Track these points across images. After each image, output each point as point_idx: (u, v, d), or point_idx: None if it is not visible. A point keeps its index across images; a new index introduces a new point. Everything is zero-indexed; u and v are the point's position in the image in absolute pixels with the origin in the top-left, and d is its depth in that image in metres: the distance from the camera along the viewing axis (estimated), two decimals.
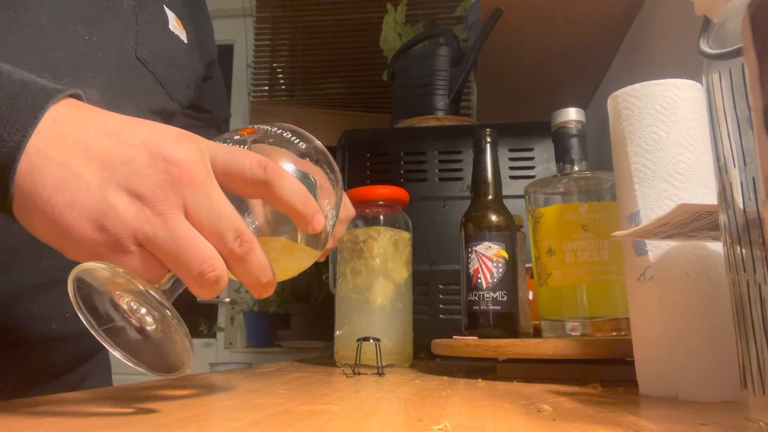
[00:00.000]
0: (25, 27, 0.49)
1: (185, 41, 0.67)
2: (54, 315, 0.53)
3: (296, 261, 0.41)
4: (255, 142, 0.39)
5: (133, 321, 0.34)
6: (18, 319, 0.51)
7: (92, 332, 0.33)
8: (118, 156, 0.32)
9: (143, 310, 0.34)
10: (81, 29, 0.53)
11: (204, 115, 0.80)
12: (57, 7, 0.51)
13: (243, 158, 0.35)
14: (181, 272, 0.33)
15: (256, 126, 0.41)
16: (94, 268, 0.31)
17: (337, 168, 0.43)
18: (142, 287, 0.31)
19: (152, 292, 0.31)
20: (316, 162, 0.41)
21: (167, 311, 0.32)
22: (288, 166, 0.39)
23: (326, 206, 0.41)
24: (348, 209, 0.63)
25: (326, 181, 0.41)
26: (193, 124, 0.79)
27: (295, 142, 0.40)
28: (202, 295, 0.34)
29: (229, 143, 0.38)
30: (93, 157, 0.32)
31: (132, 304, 0.34)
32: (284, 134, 0.41)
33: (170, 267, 0.33)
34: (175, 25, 0.65)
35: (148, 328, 0.34)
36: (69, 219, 0.31)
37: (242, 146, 0.39)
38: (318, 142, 0.43)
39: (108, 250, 0.32)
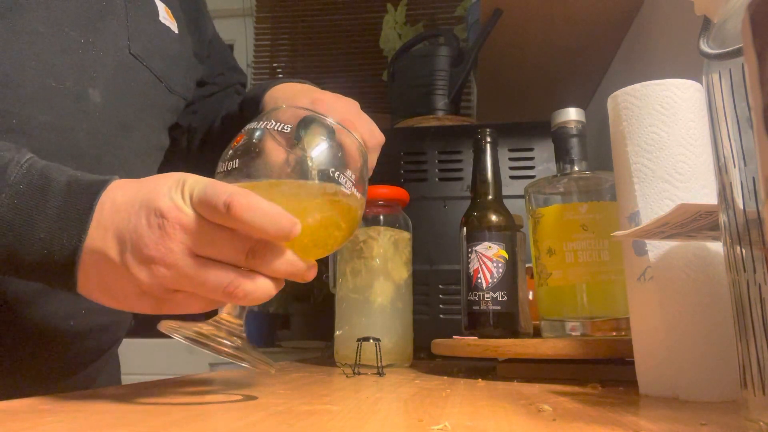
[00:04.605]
0: (23, 34, 0.49)
1: (176, 32, 0.66)
2: (72, 312, 0.54)
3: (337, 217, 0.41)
4: (243, 153, 0.40)
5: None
6: (38, 318, 0.52)
7: (197, 347, 0.38)
8: (126, 227, 0.37)
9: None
10: (75, 33, 0.53)
11: (218, 79, 0.80)
12: (51, 12, 0.51)
13: (213, 198, 0.36)
14: (217, 299, 0.38)
15: (244, 130, 0.42)
16: (169, 332, 0.38)
17: (333, 123, 0.42)
18: (204, 348, 0.37)
19: (211, 344, 0.37)
20: (310, 142, 0.41)
21: (228, 357, 0.38)
22: (275, 164, 0.40)
23: (331, 170, 0.40)
24: (375, 136, 0.61)
25: (326, 148, 0.41)
26: (211, 91, 0.79)
27: (279, 129, 0.41)
28: (260, 301, 0.38)
29: (226, 162, 0.41)
30: (111, 236, 0.37)
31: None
32: (268, 126, 0.41)
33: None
34: (165, 16, 0.65)
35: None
36: (119, 295, 0.38)
37: (232, 162, 0.40)
38: (306, 113, 0.42)
39: (160, 304, 0.38)
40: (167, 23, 0.65)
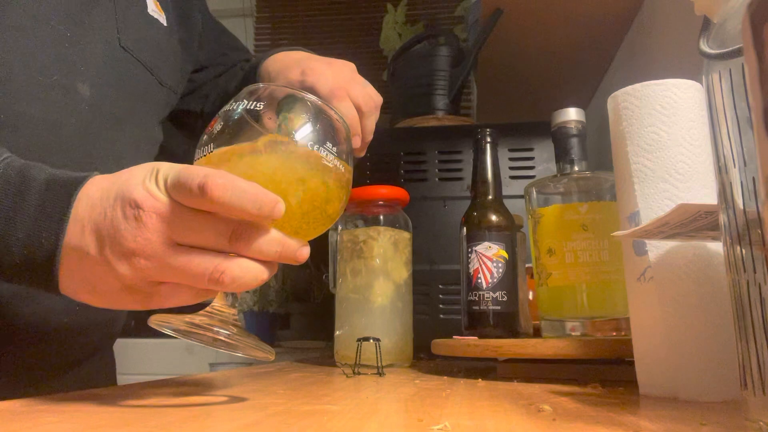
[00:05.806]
0: (8, 30, 0.49)
1: (165, 24, 0.66)
2: (65, 309, 0.54)
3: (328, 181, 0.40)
4: (218, 135, 0.39)
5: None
6: (31, 315, 0.52)
7: (187, 340, 0.37)
8: (102, 222, 0.36)
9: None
10: (62, 26, 0.52)
11: (221, 60, 0.79)
12: (37, 6, 0.51)
13: (187, 181, 0.34)
14: (204, 288, 0.37)
15: (219, 113, 0.41)
16: (159, 326, 0.36)
17: (310, 98, 0.41)
18: (198, 340, 0.37)
19: (204, 333, 0.36)
20: (287, 120, 0.40)
21: (223, 348, 0.37)
22: (248, 142, 0.39)
23: (310, 143, 0.39)
24: (373, 98, 0.58)
25: (303, 124, 0.40)
26: (217, 72, 0.79)
27: (253, 108, 0.39)
28: (250, 286, 0.37)
29: (201, 148, 0.40)
30: (89, 232, 0.36)
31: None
32: (242, 106, 0.40)
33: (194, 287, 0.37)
34: (154, 8, 0.64)
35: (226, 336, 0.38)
36: (104, 292, 0.37)
37: (208, 147, 0.39)
38: (284, 91, 0.41)
39: (147, 298, 0.37)
40: (156, 15, 0.64)
